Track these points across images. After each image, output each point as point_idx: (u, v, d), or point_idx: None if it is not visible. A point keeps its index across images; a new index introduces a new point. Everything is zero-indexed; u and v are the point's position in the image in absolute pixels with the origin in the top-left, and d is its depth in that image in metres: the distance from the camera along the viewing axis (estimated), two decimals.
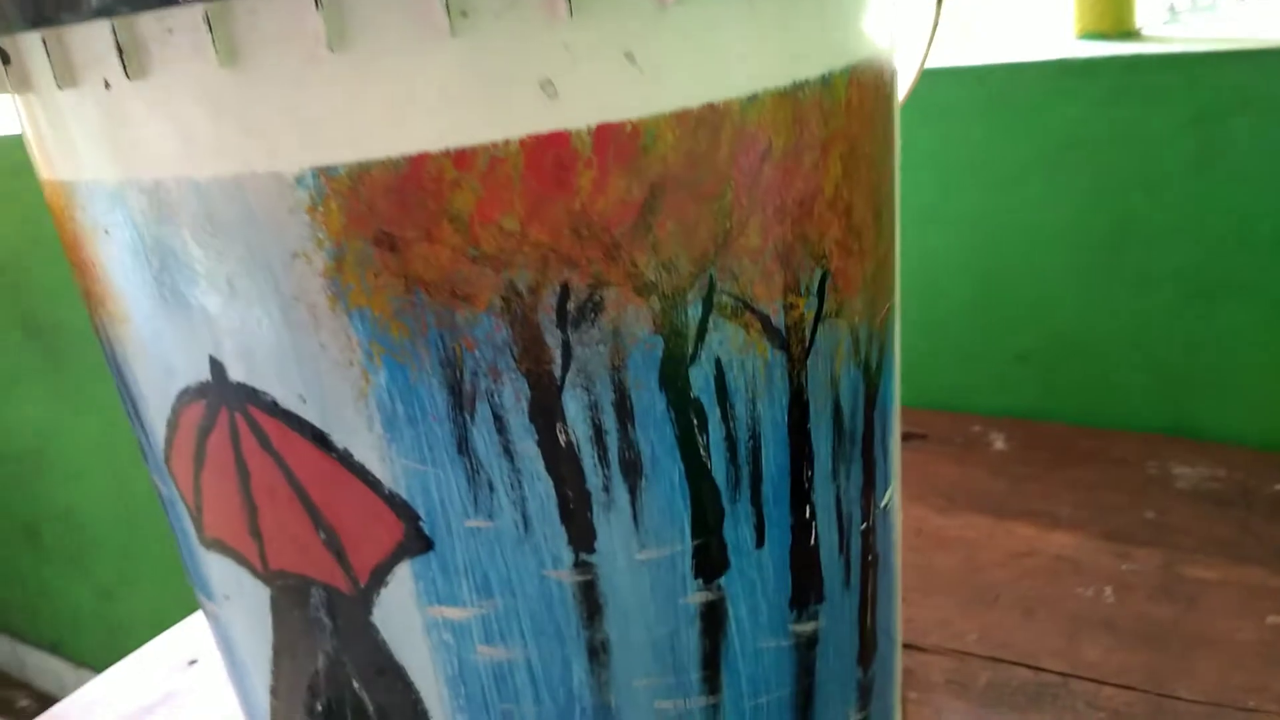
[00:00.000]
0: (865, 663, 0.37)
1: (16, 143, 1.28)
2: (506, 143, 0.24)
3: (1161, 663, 0.46)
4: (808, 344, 0.30)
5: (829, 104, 0.28)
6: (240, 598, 0.33)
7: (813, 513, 0.32)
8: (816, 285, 0.30)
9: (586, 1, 0.24)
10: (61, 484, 1.54)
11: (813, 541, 0.33)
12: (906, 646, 0.50)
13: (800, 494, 0.32)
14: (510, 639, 0.30)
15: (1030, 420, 0.70)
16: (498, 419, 0.27)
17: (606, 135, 0.25)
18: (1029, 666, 0.47)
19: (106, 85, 0.25)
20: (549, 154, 0.25)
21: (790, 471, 0.31)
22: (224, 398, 0.28)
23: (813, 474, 0.32)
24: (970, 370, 0.72)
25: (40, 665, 1.86)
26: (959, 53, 0.67)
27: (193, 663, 0.58)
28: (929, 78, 0.64)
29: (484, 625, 0.30)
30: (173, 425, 0.30)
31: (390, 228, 0.25)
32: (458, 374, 0.26)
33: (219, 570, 0.33)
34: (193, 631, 0.62)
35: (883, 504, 0.36)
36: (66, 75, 0.26)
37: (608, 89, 0.25)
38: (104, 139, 0.26)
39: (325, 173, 0.24)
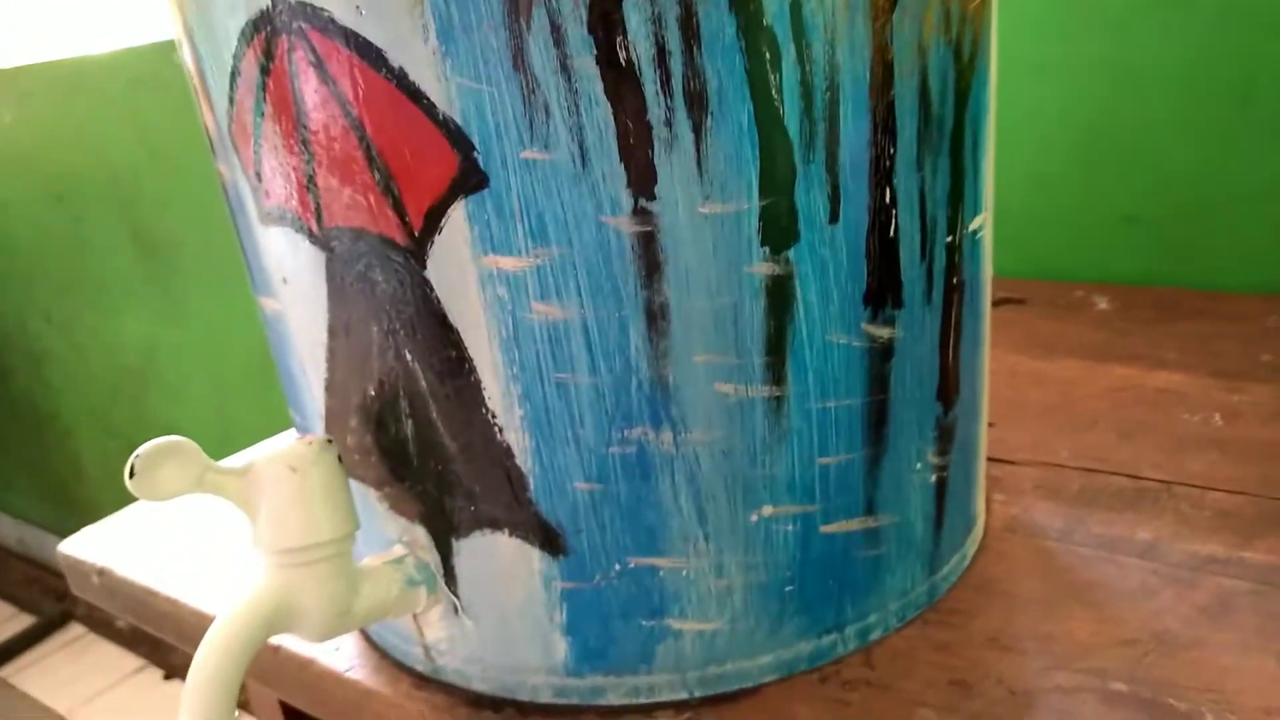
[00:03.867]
0: (946, 401, 0.35)
1: (134, 55, 1.33)
2: None
3: (1275, 472, 0.42)
4: None
5: None
6: (297, 275, 0.32)
7: (893, 198, 0.30)
8: None
9: None
10: (164, 401, 1.60)
11: (892, 232, 0.31)
12: (993, 460, 0.47)
13: (881, 171, 0.30)
14: (566, 295, 0.28)
15: (1138, 286, 0.66)
16: (555, 28, 0.26)
17: None
18: (1127, 475, 0.44)
19: None
20: None
21: (870, 140, 0.29)
22: (282, 23, 0.28)
23: (895, 152, 0.30)
24: (1074, 233, 0.68)
25: None
26: None
27: None
28: None
29: (539, 278, 0.28)
30: (234, 77, 0.30)
31: None
32: None
33: (277, 247, 0.32)
34: None
35: (971, 228, 0.34)
36: None
37: None
38: None
39: None
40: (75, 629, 1.93)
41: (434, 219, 0.28)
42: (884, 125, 0.29)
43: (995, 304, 0.67)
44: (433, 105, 0.27)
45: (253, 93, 0.30)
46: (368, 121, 0.28)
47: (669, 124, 0.27)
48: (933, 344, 0.33)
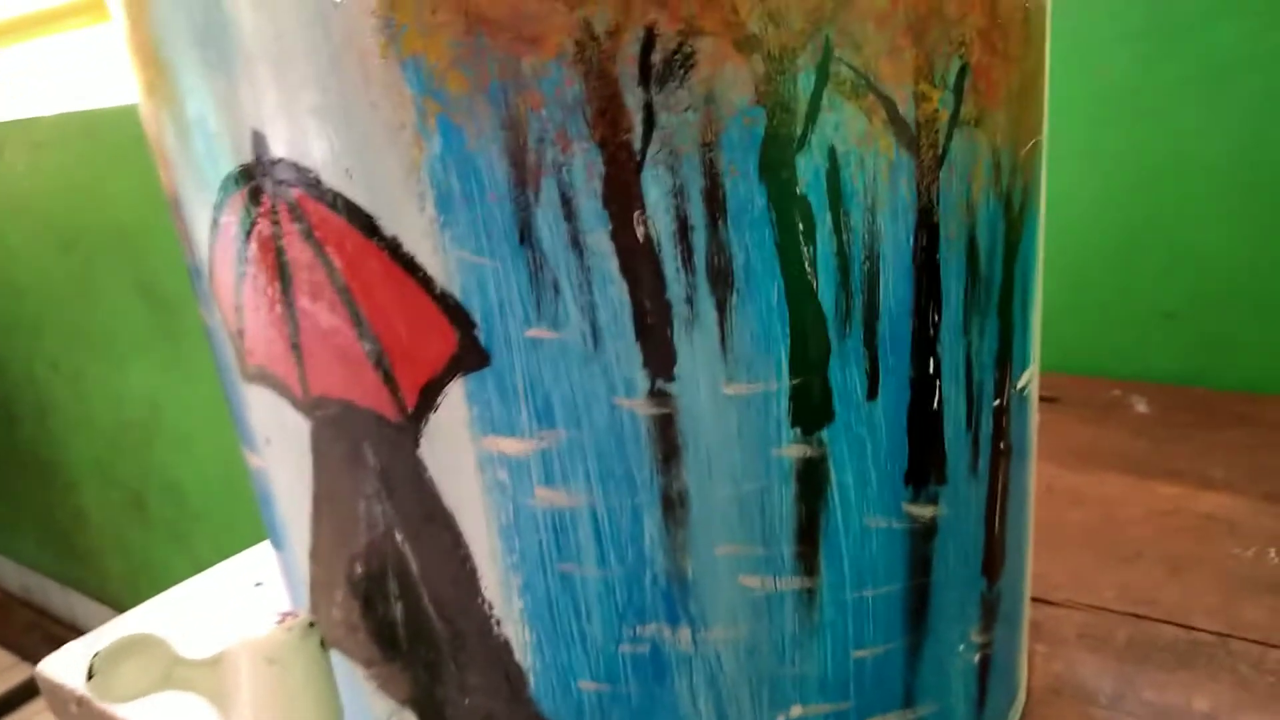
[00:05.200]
0: (991, 574, 0.31)
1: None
2: None
3: None
4: (941, 150, 0.25)
5: None
6: (281, 438, 0.29)
7: (937, 368, 0.27)
8: (954, 78, 0.25)
9: None
10: (169, 454, 1.58)
11: (935, 404, 0.28)
12: (1033, 600, 0.43)
13: (924, 341, 0.27)
14: (574, 481, 0.25)
15: (1178, 386, 0.63)
16: (566, 201, 0.23)
17: None
18: (1178, 625, 0.40)
19: None
20: None
21: (913, 309, 0.26)
22: (266, 180, 0.25)
23: (940, 319, 0.27)
24: (1110, 328, 0.65)
25: None
26: None
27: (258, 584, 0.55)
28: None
29: (544, 463, 0.25)
30: (215, 228, 0.27)
31: None
32: (521, 140, 0.23)
33: (260, 407, 0.29)
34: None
35: (1020, 385, 0.31)
36: None
37: None
38: None
39: None
40: None
41: (429, 396, 0.26)
42: (928, 292, 0.26)
43: None
44: (429, 278, 0.24)
45: (234, 247, 0.27)
46: (357, 291, 0.25)
47: (690, 301, 0.24)
48: (978, 517, 0.30)
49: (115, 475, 1.73)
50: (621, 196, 0.23)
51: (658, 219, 0.23)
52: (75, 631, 2.06)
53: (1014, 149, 0.28)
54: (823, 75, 0.23)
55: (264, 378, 0.29)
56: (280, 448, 0.30)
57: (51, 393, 1.77)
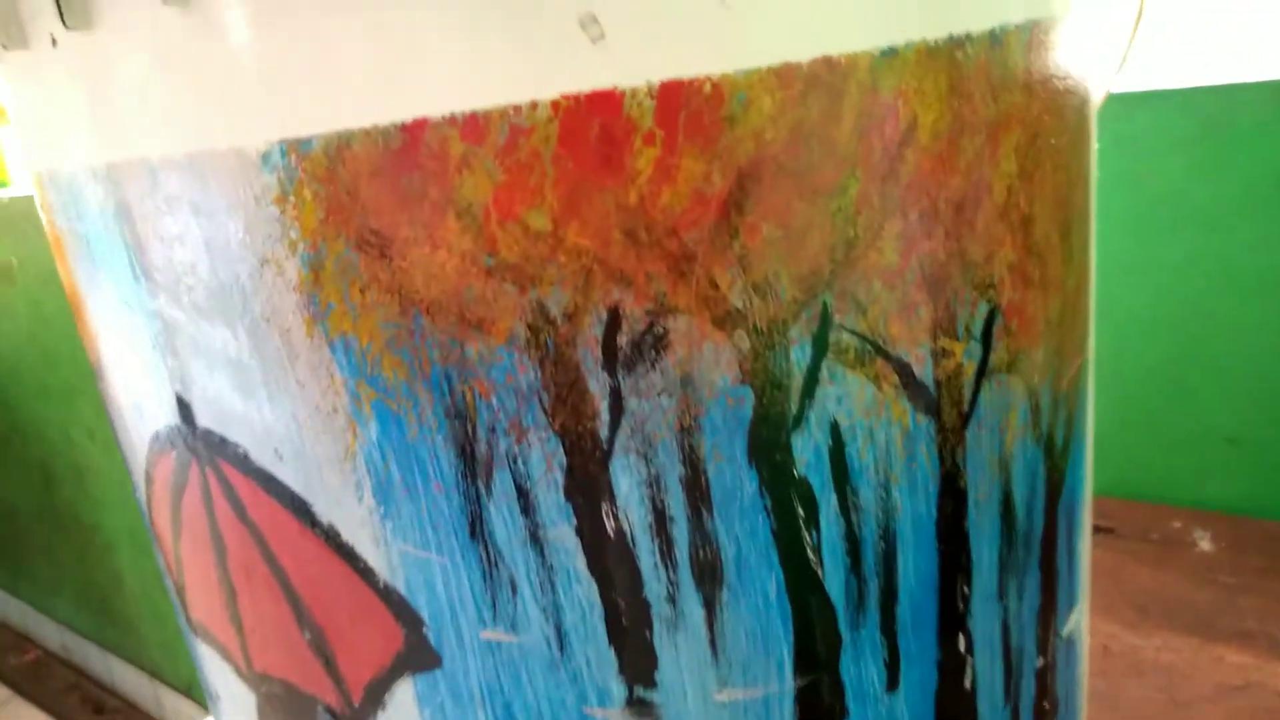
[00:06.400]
0: None
1: None
2: (533, 106, 0.17)
3: None
4: (966, 408, 0.22)
5: (1001, 71, 0.20)
6: (229, 701, 0.26)
7: (969, 645, 0.23)
8: (981, 326, 0.21)
9: None
10: None
11: (968, 685, 0.24)
12: None
13: (952, 619, 0.23)
14: None
15: (1243, 517, 0.57)
16: (522, 493, 0.20)
17: (675, 98, 0.17)
18: None
19: (54, 42, 0.20)
20: (593, 123, 0.17)
21: (938, 586, 0.22)
22: (194, 448, 0.22)
23: (970, 591, 0.23)
24: (1169, 454, 0.60)
25: (175, 707, 1.89)
26: (1155, 73, 0.57)
27: None
28: (1118, 103, 0.55)
29: None
30: (149, 479, 0.25)
31: (379, 224, 0.18)
32: (469, 430, 0.19)
33: (207, 662, 0.26)
34: None
35: (1065, 631, 0.27)
36: (15, 32, 0.21)
37: (678, 30, 0.17)
38: (55, 111, 0.21)
39: (296, 148, 0.18)
40: None
41: (376, 694, 0.22)
42: (955, 565, 0.23)
43: None
44: (371, 570, 0.21)
45: (169, 502, 0.24)
46: (294, 576, 0.22)
47: (672, 600, 0.21)
48: None
49: (149, 544, 1.73)
50: (587, 488, 0.20)
51: (630, 511, 0.20)
52: (114, 696, 2.05)
53: (1055, 382, 0.24)
54: (820, 346, 0.20)
55: (208, 637, 0.26)
56: (229, 710, 0.26)
57: (88, 458, 1.78)
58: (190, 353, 0.21)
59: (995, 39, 0.20)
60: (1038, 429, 0.24)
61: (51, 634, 2.25)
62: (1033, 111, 0.21)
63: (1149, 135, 0.55)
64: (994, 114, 0.20)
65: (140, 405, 0.23)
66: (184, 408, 0.22)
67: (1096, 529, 0.58)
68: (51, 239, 0.24)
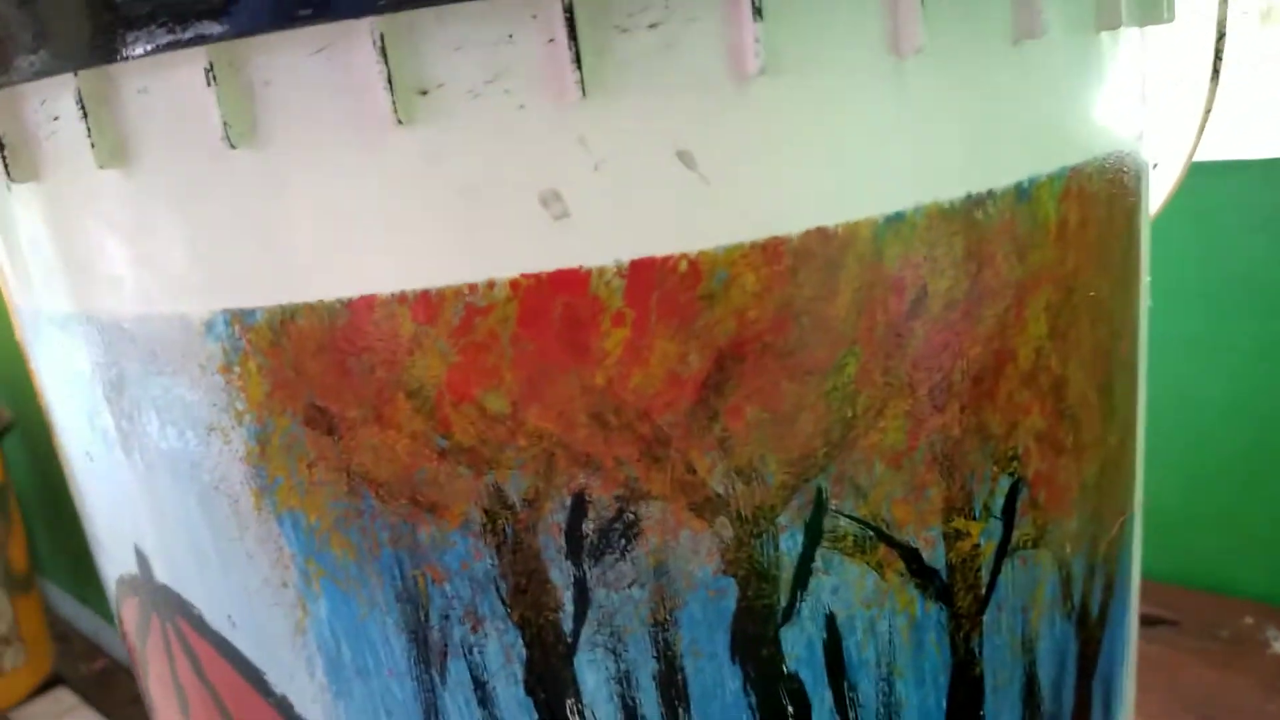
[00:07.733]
0: None
1: None
2: (491, 285, 0.16)
3: None
4: (984, 590, 0.19)
5: (1029, 227, 0.18)
6: None
7: None
8: (1001, 502, 0.19)
9: (611, 74, 0.15)
10: None
11: None
12: None
13: None
14: None
15: None
16: (479, 684, 0.18)
17: (647, 276, 0.16)
18: None
19: (8, 187, 0.19)
20: (556, 303, 0.16)
21: None
22: (155, 601, 0.21)
23: None
24: (1239, 541, 0.56)
25: None
26: (1235, 141, 0.53)
27: None
28: (1192, 173, 0.51)
29: None
30: (118, 616, 0.24)
31: (326, 401, 0.17)
32: (422, 615, 0.18)
33: None
34: None
35: None
36: None
37: (649, 206, 0.16)
38: (11, 257, 0.20)
39: (240, 319, 0.17)
40: None
41: None
42: None
43: (1141, 622, 0.55)
44: None
45: (136, 641, 0.23)
46: None
47: None
48: None
49: None
50: (550, 683, 0.18)
51: (598, 709, 0.18)
52: None
53: (1091, 548, 0.22)
54: (814, 533, 0.18)
55: None
56: None
57: None
58: (144, 510, 0.20)
59: (1022, 193, 0.18)
60: (1069, 602, 0.21)
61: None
62: (1068, 266, 0.19)
63: (1227, 209, 0.52)
64: (1021, 274, 0.18)
65: (107, 547, 0.22)
66: (143, 561, 0.21)
67: (1157, 621, 0.55)
68: (29, 366, 0.24)
